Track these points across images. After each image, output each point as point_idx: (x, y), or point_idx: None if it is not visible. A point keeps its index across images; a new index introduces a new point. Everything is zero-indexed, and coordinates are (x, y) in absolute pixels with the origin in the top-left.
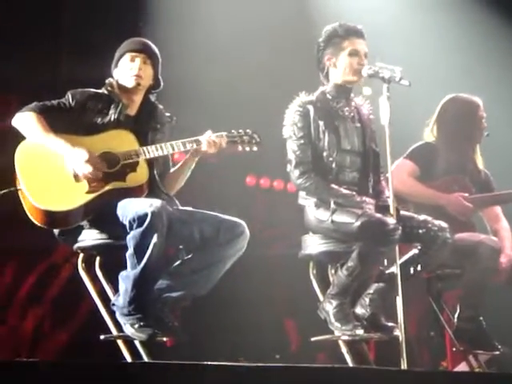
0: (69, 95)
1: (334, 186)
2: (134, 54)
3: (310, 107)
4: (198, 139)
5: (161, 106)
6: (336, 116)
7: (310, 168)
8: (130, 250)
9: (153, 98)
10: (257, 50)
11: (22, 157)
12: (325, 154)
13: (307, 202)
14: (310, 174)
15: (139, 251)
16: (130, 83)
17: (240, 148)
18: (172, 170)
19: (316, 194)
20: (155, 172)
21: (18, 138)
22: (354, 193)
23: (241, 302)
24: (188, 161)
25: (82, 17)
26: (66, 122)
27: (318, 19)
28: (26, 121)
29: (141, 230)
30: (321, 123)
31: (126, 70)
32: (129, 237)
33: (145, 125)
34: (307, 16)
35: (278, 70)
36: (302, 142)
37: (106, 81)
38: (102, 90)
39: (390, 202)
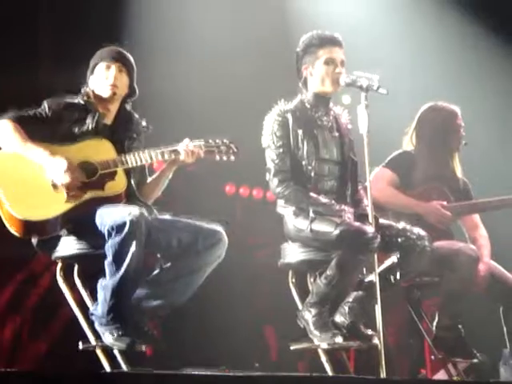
0: (45, 104)
1: (312, 194)
2: (108, 62)
3: (289, 116)
4: (176, 149)
5: (136, 115)
6: (315, 125)
7: (289, 177)
8: (109, 259)
9: (128, 106)
10: (236, 58)
11: (0, 166)
12: (303, 162)
13: (286, 210)
14: (288, 182)
15: (118, 260)
16: (105, 93)
17: (217, 157)
18: (149, 179)
19: (295, 203)
20: (133, 181)
21: None
22: (333, 201)
23: (220, 310)
24: (165, 170)
25: (61, 25)
26: (42, 132)
27: (297, 27)
28: (2, 130)
29: (119, 238)
30: (300, 132)
31: (102, 80)
32: (107, 245)
33: (121, 134)
34: (288, 24)
35: (257, 79)
36: (281, 150)
37: (82, 90)
38: (78, 100)
39: (369, 210)
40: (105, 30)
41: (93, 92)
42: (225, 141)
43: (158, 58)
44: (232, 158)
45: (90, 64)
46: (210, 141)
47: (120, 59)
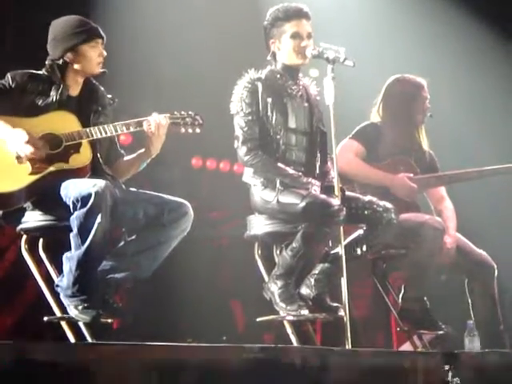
0: (8, 76)
1: (280, 165)
2: (95, 40)
3: (259, 84)
4: (140, 121)
5: (102, 88)
6: (284, 94)
7: (257, 145)
8: (74, 231)
9: (93, 79)
10: (204, 29)
11: None
12: (272, 131)
13: (253, 180)
14: (257, 151)
15: (83, 232)
16: (95, 70)
17: (183, 130)
18: (126, 158)
19: (262, 172)
20: (99, 154)
21: None
22: (301, 174)
23: (187, 283)
24: (143, 156)
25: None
26: (5, 104)
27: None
28: None
29: (84, 210)
30: (269, 100)
31: (92, 57)
32: (72, 217)
33: (87, 106)
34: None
35: (224, 50)
36: (250, 118)
37: (47, 62)
38: (43, 71)
39: (335, 182)
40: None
41: (63, 63)
42: (190, 113)
43: (125, 30)
44: (197, 130)
45: (68, 41)
46: (176, 112)
47: (101, 36)
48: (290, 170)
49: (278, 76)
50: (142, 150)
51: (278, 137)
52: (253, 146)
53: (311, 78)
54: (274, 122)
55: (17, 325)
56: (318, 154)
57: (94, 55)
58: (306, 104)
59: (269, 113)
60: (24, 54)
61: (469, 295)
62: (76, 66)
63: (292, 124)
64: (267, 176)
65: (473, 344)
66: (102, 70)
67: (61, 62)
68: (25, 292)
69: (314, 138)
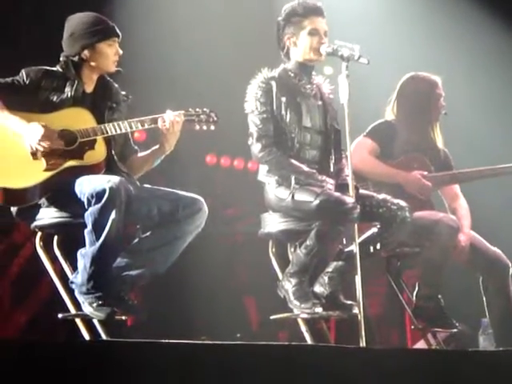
0: (23, 73)
1: (295, 162)
2: (109, 41)
3: (273, 83)
4: (155, 117)
5: (116, 85)
6: (298, 93)
7: (272, 142)
8: (89, 227)
9: (107, 76)
10: (219, 27)
11: None
12: (286, 130)
13: (268, 179)
14: (271, 147)
15: (98, 228)
16: (111, 68)
17: (197, 127)
18: (140, 154)
19: (277, 169)
20: (113, 150)
21: None
22: (315, 171)
23: (201, 281)
24: (157, 152)
25: None
26: (20, 100)
27: None
28: None
29: (99, 206)
30: (283, 99)
31: (109, 55)
32: (87, 213)
33: (101, 103)
34: None
35: (238, 47)
36: (265, 116)
37: (61, 58)
38: (57, 68)
39: (349, 180)
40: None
41: (78, 60)
42: (205, 109)
43: (140, 28)
44: (212, 127)
45: (86, 38)
46: (190, 109)
47: (118, 35)
48: (305, 168)
49: (292, 75)
50: (157, 147)
51: (293, 135)
52: (267, 142)
53: (324, 76)
54: (288, 120)
55: (31, 322)
56: (333, 152)
57: (111, 53)
58: (320, 102)
59: (283, 112)
60: (38, 51)
61: (483, 293)
62: (92, 64)
63: (306, 123)
64: (281, 173)
65: (487, 342)
66: (117, 69)
67: (76, 58)
68: (39, 289)
69: (328, 137)
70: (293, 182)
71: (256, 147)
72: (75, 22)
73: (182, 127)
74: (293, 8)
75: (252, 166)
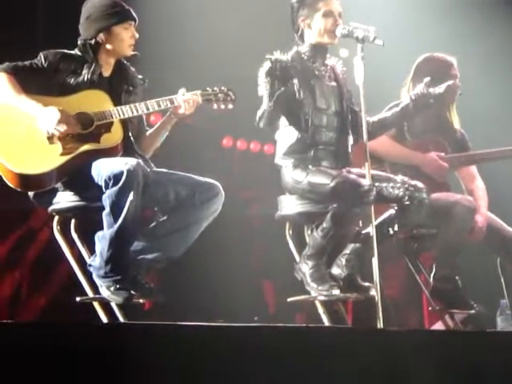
0: (41, 56)
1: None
2: (129, 22)
3: (286, 65)
4: (172, 98)
5: (133, 68)
6: (312, 75)
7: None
8: (107, 210)
9: (124, 60)
10: (233, 9)
11: None
12: (300, 112)
13: (284, 162)
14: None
15: (115, 210)
16: (128, 52)
17: (215, 106)
18: (148, 131)
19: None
20: (130, 133)
21: None
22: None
23: (217, 264)
24: (165, 123)
25: None
26: (38, 83)
27: None
28: None
29: (117, 188)
30: (295, 81)
31: (125, 39)
32: (105, 196)
33: (118, 86)
34: None
35: (254, 30)
36: (277, 97)
37: (79, 42)
38: (75, 51)
39: (367, 163)
40: None
41: (94, 44)
42: (222, 88)
43: (155, 12)
44: (230, 106)
45: (102, 21)
46: (208, 89)
47: (134, 18)
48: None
49: (305, 57)
50: (164, 119)
51: (307, 117)
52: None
53: (337, 58)
54: (302, 102)
55: (50, 305)
56: (351, 133)
57: (127, 37)
58: (335, 83)
59: (296, 94)
60: (55, 36)
61: (501, 274)
62: (108, 47)
63: (321, 104)
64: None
65: (505, 323)
66: (133, 53)
67: (93, 41)
68: (58, 272)
69: (345, 118)
70: (309, 164)
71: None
72: (91, 5)
73: (200, 106)
74: None
75: (268, 149)
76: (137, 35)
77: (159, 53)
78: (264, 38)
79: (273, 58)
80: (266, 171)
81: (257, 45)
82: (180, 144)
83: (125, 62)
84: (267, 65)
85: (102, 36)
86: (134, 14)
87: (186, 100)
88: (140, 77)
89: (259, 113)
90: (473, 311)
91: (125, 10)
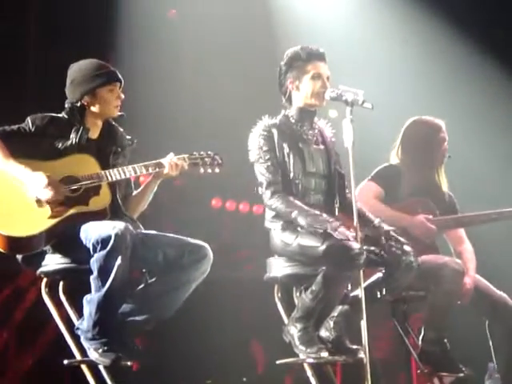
0: (28, 120)
1: (302, 204)
2: (111, 86)
3: (274, 130)
4: (160, 162)
5: (121, 129)
6: (300, 139)
7: (281, 188)
8: (94, 273)
9: (112, 121)
10: (220, 73)
11: None
12: (291, 176)
13: (273, 225)
14: (280, 193)
15: (103, 274)
16: (113, 113)
17: (202, 170)
18: (135, 192)
19: (286, 213)
20: (118, 195)
21: None
22: (322, 213)
23: (207, 325)
24: (150, 183)
25: (47, 40)
26: (26, 147)
27: (281, 40)
28: None
29: (104, 252)
30: (285, 146)
31: (110, 101)
32: (93, 260)
33: (106, 148)
34: (270, 37)
35: (242, 93)
36: (270, 163)
37: (66, 105)
38: (62, 115)
39: (355, 225)
40: (91, 44)
41: (81, 107)
42: (209, 153)
43: (144, 73)
44: (217, 169)
45: (87, 82)
46: (195, 153)
47: (119, 79)
48: (314, 211)
49: (293, 121)
50: (149, 179)
51: (297, 181)
52: (276, 189)
53: (326, 120)
54: (292, 166)
55: (36, 366)
56: (337, 196)
57: (112, 98)
58: (322, 147)
59: (286, 158)
60: (45, 97)
61: (490, 337)
62: (94, 109)
63: (310, 168)
64: (290, 216)
65: None
66: (119, 114)
67: (79, 104)
68: (45, 333)
69: (332, 181)
70: (298, 227)
71: (266, 195)
72: (76, 68)
73: (187, 170)
74: (296, 52)
75: (257, 210)
76: (122, 96)
77: (148, 112)
78: (252, 100)
79: (261, 123)
80: (256, 232)
81: (247, 105)
82: (169, 205)
83: (113, 124)
84: (257, 130)
85: (86, 99)
86: (120, 76)
87: (173, 164)
88: (128, 137)
89: (263, 181)
90: (461, 374)
91: (109, 71)
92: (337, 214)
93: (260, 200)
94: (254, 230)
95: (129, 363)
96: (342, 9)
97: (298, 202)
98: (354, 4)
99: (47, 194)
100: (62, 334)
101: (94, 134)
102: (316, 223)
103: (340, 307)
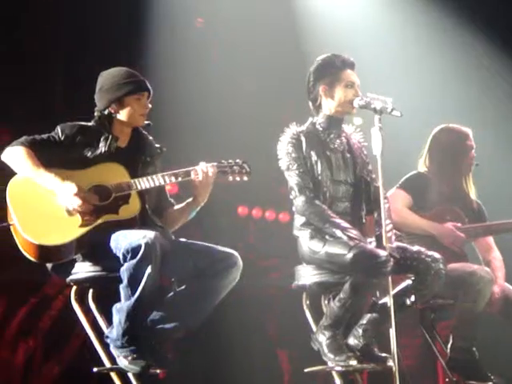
0: (58, 129)
1: (335, 216)
2: (139, 95)
3: (302, 138)
4: (188, 170)
5: (150, 138)
6: (327, 147)
7: (314, 194)
8: (124, 282)
9: (142, 129)
10: (248, 80)
11: (14, 192)
12: (319, 184)
13: (302, 233)
14: (314, 200)
15: (133, 283)
16: (140, 122)
17: (230, 178)
18: (176, 206)
19: (319, 222)
20: (147, 204)
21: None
22: (352, 227)
23: (234, 333)
24: (191, 204)
25: (77, 52)
26: (56, 156)
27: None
28: (15, 155)
29: (135, 261)
30: (313, 153)
31: (138, 109)
32: (123, 269)
33: (135, 157)
34: (297, 41)
35: (269, 100)
36: (301, 170)
37: (95, 113)
38: (92, 123)
39: (383, 232)
40: (120, 55)
41: (109, 115)
42: (237, 161)
43: (173, 81)
44: (245, 178)
45: (116, 90)
46: (223, 161)
47: (147, 89)
48: (344, 223)
49: (320, 129)
50: (191, 199)
51: (325, 189)
52: (310, 195)
53: (354, 126)
54: (320, 174)
55: (64, 374)
56: (364, 204)
57: (138, 107)
58: (349, 155)
59: (314, 166)
60: (74, 106)
61: None
62: (120, 117)
63: (338, 177)
64: (323, 226)
65: None
66: (146, 122)
67: (106, 112)
68: (72, 341)
69: (358, 188)
70: (326, 235)
71: (299, 200)
72: (105, 76)
73: (215, 178)
74: (330, 60)
75: (283, 217)
76: (149, 106)
77: (178, 121)
78: (280, 107)
79: (289, 130)
80: (282, 239)
81: (276, 111)
82: (198, 212)
83: (142, 132)
84: (285, 138)
85: (114, 106)
86: (149, 86)
87: (204, 171)
88: (157, 145)
89: (295, 186)
90: (490, 383)
91: (138, 80)
92: (364, 221)
93: (286, 208)
94: (280, 238)
95: (157, 371)
96: (367, 11)
97: (330, 213)
98: (379, 8)
99: (76, 203)
100: (86, 342)
101: (123, 142)
102: (344, 235)
103: (369, 315)
